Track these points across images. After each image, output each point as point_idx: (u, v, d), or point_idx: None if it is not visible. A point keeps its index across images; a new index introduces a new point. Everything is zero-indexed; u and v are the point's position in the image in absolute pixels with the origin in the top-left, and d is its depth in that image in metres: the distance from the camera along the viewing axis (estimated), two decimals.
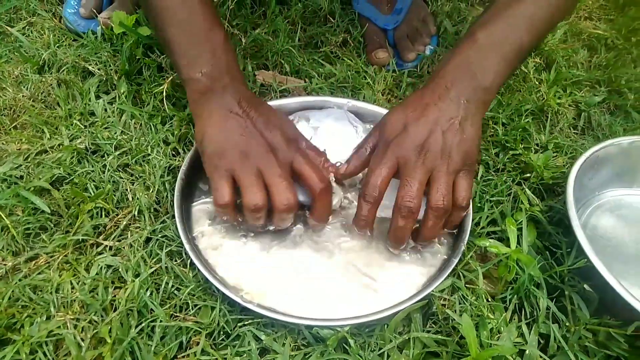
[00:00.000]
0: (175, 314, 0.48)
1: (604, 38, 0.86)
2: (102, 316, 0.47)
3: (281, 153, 0.50)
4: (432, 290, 0.48)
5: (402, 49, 0.79)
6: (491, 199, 0.58)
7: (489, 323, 0.47)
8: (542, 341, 0.48)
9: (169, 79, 0.67)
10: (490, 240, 0.53)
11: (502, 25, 0.52)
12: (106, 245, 0.52)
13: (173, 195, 0.54)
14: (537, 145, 0.68)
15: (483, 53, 0.51)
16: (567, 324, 0.48)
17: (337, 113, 0.63)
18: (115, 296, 0.48)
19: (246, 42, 0.76)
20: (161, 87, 0.67)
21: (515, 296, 0.49)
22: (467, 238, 0.52)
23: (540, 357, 0.45)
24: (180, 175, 0.55)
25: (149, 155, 0.59)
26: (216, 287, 0.48)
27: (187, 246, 0.50)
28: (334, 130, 0.59)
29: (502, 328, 0.47)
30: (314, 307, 0.49)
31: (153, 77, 0.69)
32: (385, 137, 0.51)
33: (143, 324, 0.46)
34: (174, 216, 0.53)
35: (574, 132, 0.73)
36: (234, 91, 0.52)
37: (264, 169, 0.49)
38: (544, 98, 0.73)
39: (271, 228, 0.53)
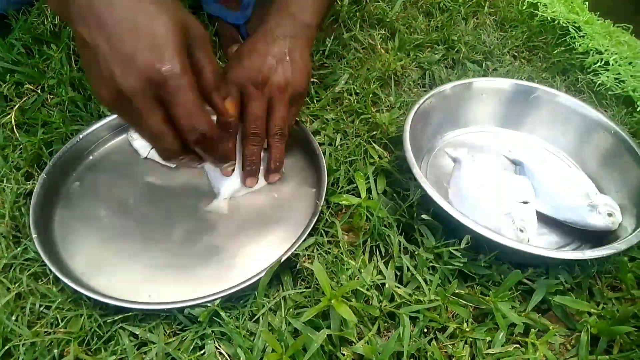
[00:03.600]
0: (47, 331, 0.48)
1: (437, 2, 0.95)
2: None
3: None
4: (296, 250, 0.51)
5: None
6: (345, 160, 0.63)
7: (349, 268, 0.51)
8: (398, 273, 0.52)
9: (16, 106, 0.66)
10: (346, 195, 0.57)
11: None
12: None
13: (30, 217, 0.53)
14: (388, 106, 0.74)
15: None
16: (416, 253, 0.53)
17: None
18: None
19: None
20: (9, 117, 0.65)
21: (370, 239, 0.54)
22: (323, 197, 0.56)
23: (396, 286, 0.50)
24: (34, 194, 0.55)
25: None
26: (76, 290, 0.48)
27: (40, 250, 0.50)
28: None
29: (362, 269, 0.51)
30: (185, 292, 0.50)
31: (0, 109, 0.67)
32: (224, 74, 0.55)
33: (9, 348, 0.45)
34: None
35: (422, 90, 0.80)
36: None
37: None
38: (388, 64, 0.79)
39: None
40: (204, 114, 0.42)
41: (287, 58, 0.55)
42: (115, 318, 0.48)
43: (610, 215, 0.54)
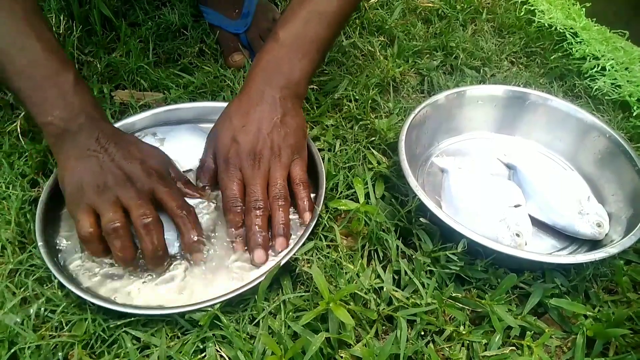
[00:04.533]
0: (52, 335, 0.49)
1: (436, 9, 0.96)
2: None
3: (139, 183, 0.51)
4: (295, 254, 0.52)
5: (257, 48, 0.83)
6: (345, 165, 0.64)
7: (347, 272, 0.52)
8: (396, 277, 0.53)
9: (21, 114, 0.67)
10: (345, 200, 0.58)
11: (299, 23, 0.58)
12: None
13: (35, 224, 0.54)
14: (387, 112, 0.75)
15: (286, 51, 0.57)
16: (414, 257, 0.54)
17: (188, 126, 0.66)
18: None
19: (102, 67, 0.78)
20: (14, 125, 0.66)
21: (369, 243, 0.55)
22: (322, 202, 0.57)
23: (394, 290, 0.51)
24: (40, 203, 0.56)
25: (5, 191, 0.58)
26: (80, 295, 0.49)
27: (47, 261, 0.51)
28: (182, 139, 0.62)
29: (360, 273, 0.52)
30: (186, 297, 0.51)
31: (6, 116, 0.69)
32: (221, 155, 0.56)
33: (15, 351, 0.46)
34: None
35: (421, 95, 0.81)
36: (91, 129, 0.52)
37: (121, 196, 0.50)
38: (387, 70, 0.80)
39: (146, 269, 0.53)
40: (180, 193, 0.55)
41: (279, 123, 0.56)
42: (119, 322, 0.49)
43: (598, 225, 0.55)
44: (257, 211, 0.53)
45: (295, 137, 0.56)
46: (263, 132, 0.55)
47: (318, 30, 0.58)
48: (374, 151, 0.66)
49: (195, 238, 0.53)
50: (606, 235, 0.56)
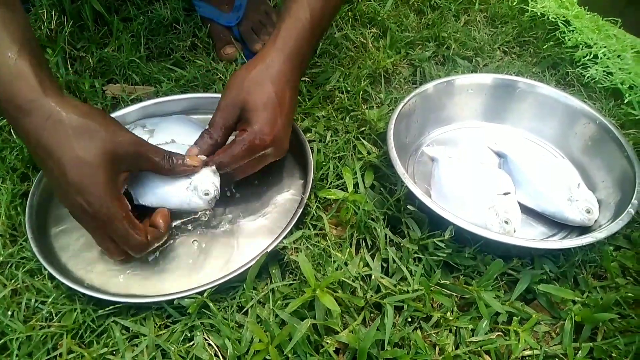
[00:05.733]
0: (42, 325, 0.49)
1: (429, 0, 0.96)
2: None
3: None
4: (283, 242, 0.52)
5: (249, 41, 0.84)
6: (335, 155, 0.64)
7: (335, 261, 0.52)
8: (385, 265, 0.53)
9: None
10: (334, 190, 0.58)
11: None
12: None
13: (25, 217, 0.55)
14: (378, 103, 0.75)
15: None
16: (402, 245, 0.54)
17: (177, 117, 0.66)
18: None
19: (94, 62, 0.78)
20: (4, 120, 0.67)
21: (357, 232, 0.55)
22: (309, 189, 0.57)
23: (382, 277, 0.51)
24: (30, 196, 0.56)
25: None
26: (67, 285, 0.49)
27: (35, 249, 0.52)
28: (172, 129, 0.62)
29: (348, 261, 0.52)
30: (175, 285, 0.51)
31: None
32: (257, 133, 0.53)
33: (5, 342, 0.47)
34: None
35: (413, 86, 0.81)
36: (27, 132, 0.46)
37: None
38: (379, 62, 0.80)
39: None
40: (134, 234, 0.48)
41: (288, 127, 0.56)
42: (108, 312, 0.49)
43: (588, 211, 0.55)
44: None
45: (285, 145, 0.58)
46: (279, 129, 0.56)
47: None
48: (364, 141, 0.66)
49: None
50: (595, 221, 0.55)
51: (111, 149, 0.47)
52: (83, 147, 0.45)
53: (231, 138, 0.55)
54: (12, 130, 0.52)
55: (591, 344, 0.48)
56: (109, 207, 0.46)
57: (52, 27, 0.78)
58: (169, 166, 0.51)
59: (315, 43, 0.60)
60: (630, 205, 0.52)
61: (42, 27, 0.77)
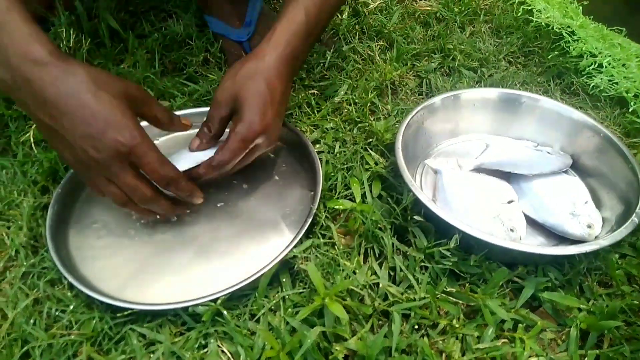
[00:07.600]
0: (62, 333, 0.51)
1: (434, 13, 0.98)
2: None
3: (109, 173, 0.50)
4: (293, 252, 0.54)
5: None
6: (343, 166, 0.66)
7: (344, 269, 0.53)
8: (392, 273, 0.55)
9: (34, 125, 0.70)
10: (342, 200, 0.60)
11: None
12: None
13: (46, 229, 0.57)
14: (385, 114, 0.77)
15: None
16: (408, 253, 0.55)
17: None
18: None
19: None
20: (27, 135, 0.70)
21: (365, 241, 0.56)
22: (318, 200, 0.58)
23: (389, 285, 0.52)
24: (50, 208, 0.59)
25: (17, 198, 0.61)
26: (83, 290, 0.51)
27: (55, 259, 0.54)
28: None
29: (357, 270, 0.54)
30: (190, 293, 0.53)
31: (20, 127, 0.72)
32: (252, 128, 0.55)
33: (28, 349, 0.49)
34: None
35: (419, 97, 0.83)
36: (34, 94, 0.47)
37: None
38: (385, 74, 0.82)
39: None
40: (168, 165, 0.52)
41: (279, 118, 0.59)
42: (125, 319, 0.51)
43: (589, 226, 0.56)
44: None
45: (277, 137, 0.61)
46: (274, 126, 0.59)
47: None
48: (371, 152, 0.68)
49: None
50: (596, 237, 0.56)
51: (125, 90, 0.50)
52: (105, 87, 0.48)
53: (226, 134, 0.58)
54: (12, 97, 0.49)
55: (597, 351, 0.49)
56: (143, 136, 0.49)
57: (71, 44, 0.81)
58: (168, 120, 0.56)
59: (311, 41, 0.63)
60: (634, 214, 0.53)
61: (62, 45, 0.80)
